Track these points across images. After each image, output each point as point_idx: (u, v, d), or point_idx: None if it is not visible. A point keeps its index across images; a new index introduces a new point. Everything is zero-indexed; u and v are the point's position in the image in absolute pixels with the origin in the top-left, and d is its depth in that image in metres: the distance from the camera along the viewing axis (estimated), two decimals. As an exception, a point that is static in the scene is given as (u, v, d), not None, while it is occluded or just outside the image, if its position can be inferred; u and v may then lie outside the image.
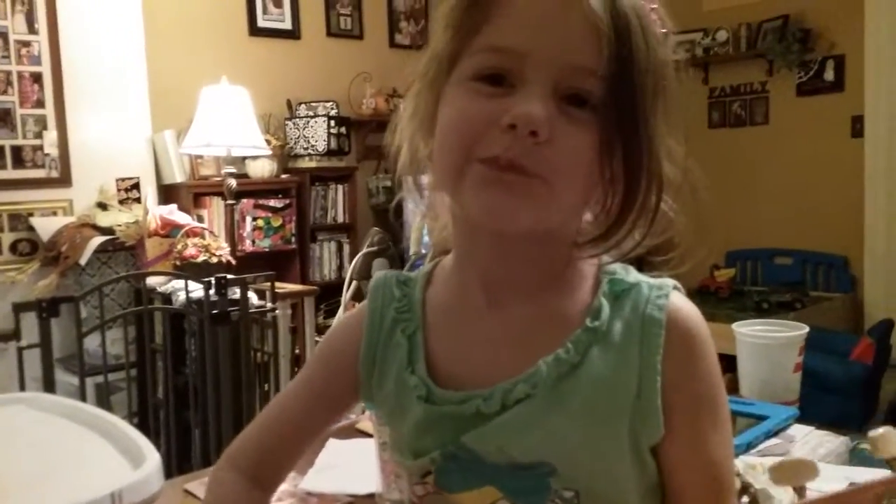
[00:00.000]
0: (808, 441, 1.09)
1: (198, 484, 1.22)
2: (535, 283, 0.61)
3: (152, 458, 1.04)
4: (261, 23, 4.05)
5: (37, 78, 3.20)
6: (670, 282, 0.61)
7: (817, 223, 4.53)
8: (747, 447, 1.04)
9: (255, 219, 3.78)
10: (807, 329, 1.28)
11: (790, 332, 1.29)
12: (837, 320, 4.18)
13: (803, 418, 1.18)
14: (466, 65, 0.57)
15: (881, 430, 0.48)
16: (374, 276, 0.70)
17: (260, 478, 0.70)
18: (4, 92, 3.13)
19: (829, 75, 4.52)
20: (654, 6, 0.57)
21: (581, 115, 0.54)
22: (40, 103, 3.21)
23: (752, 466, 0.95)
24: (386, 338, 0.66)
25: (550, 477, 0.57)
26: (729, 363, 1.71)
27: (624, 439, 0.57)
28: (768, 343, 1.29)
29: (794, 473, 0.81)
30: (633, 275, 0.62)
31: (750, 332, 1.31)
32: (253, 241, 3.78)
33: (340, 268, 4.10)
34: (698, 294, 4.35)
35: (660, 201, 0.57)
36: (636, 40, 0.54)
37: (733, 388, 1.41)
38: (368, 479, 1.10)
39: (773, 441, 1.09)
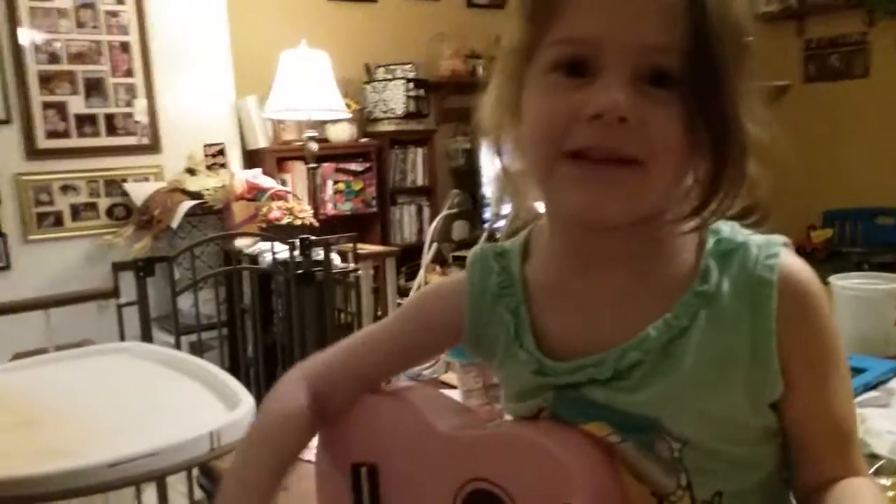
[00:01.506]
0: (910, 395, 1.04)
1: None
2: (635, 253, 0.60)
3: (246, 400, 1.09)
4: (339, -14, 4.06)
5: (126, 47, 3.30)
6: (779, 239, 0.59)
7: (922, 180, 4.28)
8: (844, 399, 1.00)
9: (336, 182, 3.83)
10: (910, 280, 1.21)
11: (890, 285, 1.22)
12: (943, 283, 3.95)
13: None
14: (544, 57, 0.57)
15: None
16: (471, 251, 0.71)
17: (321, 402, 0.72)
18: (97, 61, 3.25)
19: (936, 23, 4.22)
20: None
21: (662, 93, 0.54)
22: (130, 72, 3.32)
23: (850, 418, 0.91)
24: (489, 312, 0.66)
25: (659, 421, 0.58)
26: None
27: (737, 398, 0.57)
28: (868, 296, 1.22)
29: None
30: (740, 233, 0.60)
31: (849, 285, 1.25)
32: (334, 205, 3.83)
33: (420, 230, 4.12)
34: (792, 255, 4.16)
35: (746, 165, 0.56)
36: (709, 6, 0.53)
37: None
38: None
39: (873, 393, 1.04)
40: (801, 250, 3.38)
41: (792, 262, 0.58)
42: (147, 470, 0.90)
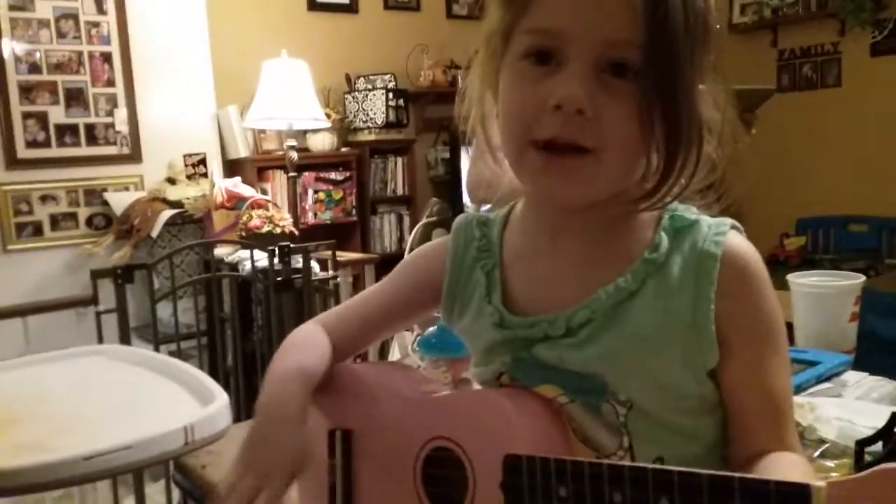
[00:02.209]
0: (860, 386, 1.08)
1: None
2: (597, 227, 0.66)
3: (221, 397, 1.11)
4: (319, -2, 4.10)
5: (106, 57, 3.32)
6: (729, 221, 0.64)
7: (893, 188, 4.36)
8: (796, 389, 1.03)
9: (316, 191, 3.85)
10: (863, 278, 1.26)
11: (845, 281, 1.26)
12: (914, 288, 4.02)
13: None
14: (517, 44, 0.62)
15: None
16: (457, 218, 0.77)
17: (334, 346, 0.78)
18: (77, 72, 3.26)
19: (905, 33, 4.32)
20: None
21: (622, 84, 0.58)
22: (110, 82, 3.34)
23: (801, 406, 0.95)
24: (467, 274, 0.73)
25: (605, 383, 0.62)
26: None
27: (677, 362, 0.61)
28: (824, 293, 1.27)
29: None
30: (693, 213, 0.65)
31: (805, 282, 1.30)
32: (315, 214, 3.86)
33: (401, 239, 4.15)
34: (767, 263, 4.18)
35: (699, 152, 0.61)
36: (672, 6, 0.57)
37: (789, 339, 1.39)
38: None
39: (825, 385, 1.08)
40: (775, 257, 3.47)
41: (738, 241, 0.63)
42: (122, 463, 0.92)
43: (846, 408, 0.96)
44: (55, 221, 3.27)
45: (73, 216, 3.31)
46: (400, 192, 4.21)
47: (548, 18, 0.59)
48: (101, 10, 3.29)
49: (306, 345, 0.76)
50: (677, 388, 0.62)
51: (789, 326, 1.33)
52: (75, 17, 3.24)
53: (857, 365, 1.20)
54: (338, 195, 3.92)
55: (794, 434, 0.64)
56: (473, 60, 0.69)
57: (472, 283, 0.72)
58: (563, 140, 0.59)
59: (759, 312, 0.63)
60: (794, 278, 1.30)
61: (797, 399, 0.97)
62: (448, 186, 4.24)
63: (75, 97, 3.27)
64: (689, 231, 0.64)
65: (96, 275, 2.36)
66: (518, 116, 0.61)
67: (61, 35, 3.22)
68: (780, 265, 4.18)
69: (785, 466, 0.59)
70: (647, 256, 0.63)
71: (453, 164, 4.20)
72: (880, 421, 0.87)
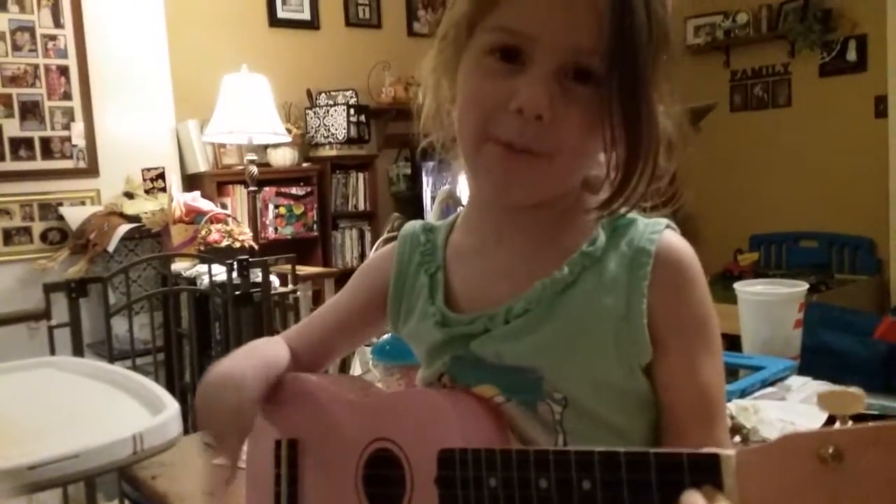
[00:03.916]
0: (804, 389, 1.11)
1: (214, 439, 1.27)
2: (542, 224, 0.67)
3: (171, 406, 1.10)
4: (280, 13, 4.11)
5: (63, 71, 3.28)
6: (664, 220, 0.65)
7: (842, 205, 4.48)
8: (741, 393, 1.06)
9: (277, 206, 3.84)
10: (806, 286, 1.30)
11: (789, 289, 1.30)
12: (863, 302, 4.13)
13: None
14: (482, 39, 0.63)
15: (836, 388, 0.51)
16: (403, 226, 0.78)
17: (295, 356, 0.79)
18: (32, 84, 3.21)
19: (852, 55, 4.47)
20: None
21: (583, 91, 0.59)
22: (67, 95, 3.29)
23: (745, 409, 0.98)
24: (412, 279, 0.74)
25: (541, 380, 0.63)
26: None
27: (610, 355, 0.62)
28: (769, 300, 1.30)
29: (841, 403, 0.82)
30: (631, 213, 0.66)
31: (752, 291, 1.33)
32: (275, 229, 3.84)
33: (362, 255, 4.14)
34: (721, 279, 4.31)
35: (657, 161, 0.61)
36: (637, 16, 0.58)
37: (737, 347, 1.42)
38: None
39: (770, 389, 1.11)
40: (729, 272, 3.54)
41: (673, 239, 0.64)
42: (69, 472, 0.91)
43: (789, 410, 0.99)
44: (8, 236, 3.21)
45: (28, 230, 3.25)
46: (361, 207, 4.21)
47: (517, 19, 0.60)
48: (57, 24, 3.25)
49: (265, 345, 0.78)
50: (612, 384, 0.63)
51: (737, 337, 1.36)
52: (31, 31, 3.20)
53: (802, 370, 1.24)
54: (299, 210, 3.91)
55: (724, 430, 0.65)
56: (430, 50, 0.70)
57: (416, 287, 0.73)
58: (519, 147, 0.60)
59: (691, 308, 0.63)
60: (740, 287, 1.33)
61: (742, 402, 1.00)
62: (410, 202, 4.25)
63: (31, 110, 3.22)
64: (625, 229, 0.65)
65: (49, 288, 2.31)
66: (478, 109, 0.62)
67: (17, 48, 3.18)
68: (733, 280, 4.24)
69: None
70: (584, 249, 0.64)
71: (415, 180, 4.22)
72: (821, 422, 0.90)
